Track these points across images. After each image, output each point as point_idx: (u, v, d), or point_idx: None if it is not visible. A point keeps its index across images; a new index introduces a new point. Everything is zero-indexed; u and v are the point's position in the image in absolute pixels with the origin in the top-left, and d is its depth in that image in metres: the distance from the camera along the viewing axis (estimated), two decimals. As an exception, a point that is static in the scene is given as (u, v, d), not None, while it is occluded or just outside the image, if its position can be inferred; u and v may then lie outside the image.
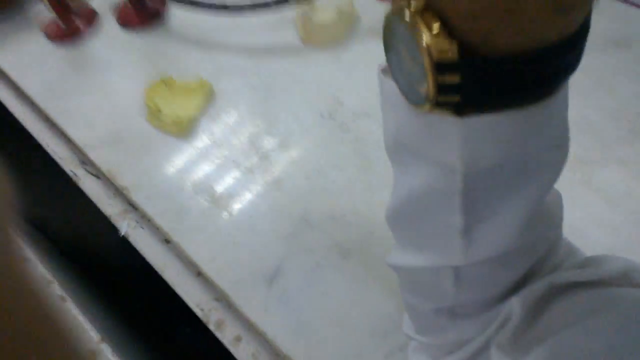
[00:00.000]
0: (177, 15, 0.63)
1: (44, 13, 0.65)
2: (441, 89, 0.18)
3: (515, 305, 0.24)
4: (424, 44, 0.17)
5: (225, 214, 0.46)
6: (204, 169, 0.49)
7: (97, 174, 0.53)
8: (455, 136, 0.19)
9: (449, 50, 0.17)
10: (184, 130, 0.51)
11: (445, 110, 0.19)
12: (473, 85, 0.17)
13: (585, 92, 0.49)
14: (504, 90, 0.18)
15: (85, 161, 0.54)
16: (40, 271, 0.46)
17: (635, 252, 0.39)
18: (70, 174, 0.54)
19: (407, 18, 0.17)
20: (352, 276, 0.41)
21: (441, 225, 0.23)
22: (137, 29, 0.62)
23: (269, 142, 0.50)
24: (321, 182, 0.47)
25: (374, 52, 0.55)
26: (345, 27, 0.57)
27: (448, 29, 0.17)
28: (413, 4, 0.17)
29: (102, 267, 0.58)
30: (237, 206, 0.46)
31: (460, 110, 0.19)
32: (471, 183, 0.20)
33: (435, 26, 0.17)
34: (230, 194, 0.47)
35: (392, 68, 0.20)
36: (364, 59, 0.55)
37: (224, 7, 0.57)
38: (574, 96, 0.20)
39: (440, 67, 0.17)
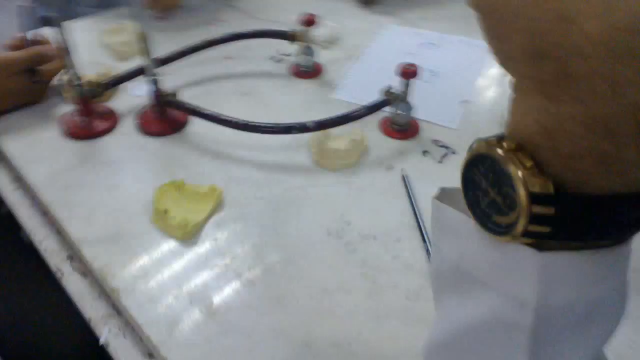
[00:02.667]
0: (197, 124, 0.66)
1: (64, 109, 0.67)
2: (533, 219, 0.18)
3: None
4: (520, 176, 0.18)
5: (220, 330, 0.42)
6: (203, 277, 0.46)
7: (85, 272, 0.49)
8: (532, 268, 0.19)
9: (545, 185, 0.18)
10: (189, 234, 0.50)
11: (526, 241, 0.19)
12: (566, 218, 0.18)
13: None
14: (596, 227, 0.18)
15: (73, 257, 0.51)
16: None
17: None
18: (55, 268, 0.50)
19: (502, 153, 0.19)
20: (356, 414, 0.37)
21: None
22: (155, 136, 0.64)
23: (273, 255, 0.49)
24: (326, 304, 0.45)
25: (381, 181, 0.58)
26: (356, 155, 0.60)
27: (540, 167, 0.18)
28: (506, 143, 0.19)
29: None
30: (234, 322, 0.43)
31: (543, 242, 0.19)
32: (541, 320, 0.20)
33: (529, 163, 0.18)
34: (229, 307, 0.44)
35: (469, 199, 0.22)
36: (371, 185, 0.57)
37: (239, 124, 0.60)
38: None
39: (535, 199, 0.18)
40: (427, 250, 0.48)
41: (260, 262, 0.48)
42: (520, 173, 0.18)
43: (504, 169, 0.19)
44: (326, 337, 0.42)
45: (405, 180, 0.57)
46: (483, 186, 0.21)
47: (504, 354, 0.21)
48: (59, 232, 0.53)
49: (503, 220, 0.20)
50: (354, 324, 0.43)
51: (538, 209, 0.18)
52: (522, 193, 0.18)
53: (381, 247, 0.50)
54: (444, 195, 0.25)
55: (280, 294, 0.45)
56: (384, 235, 0.51)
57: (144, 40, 0.57)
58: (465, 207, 0.22)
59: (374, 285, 0.46)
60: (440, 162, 0.60)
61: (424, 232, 0.50)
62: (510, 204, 0.19)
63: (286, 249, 0.50)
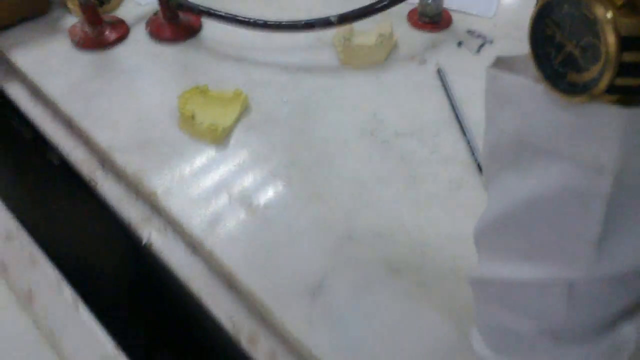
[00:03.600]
0: (211, 28, 0.62)
1: (73, 21, 0.64)
2: (622, 70, 0.16)
3: (629, 333, 0.21)
4: (609, 18, 0.16)
5: (262, 225, 0.42)
6: (240, 179, 0.46)
7: (119, 178, 0.49)
8: (614, 130, 0.17)
9: (638, 25, 0.16)
10: (219, 138, 0.49)
11: (608, 99, 0.17)
12: None
13: None
14: None
15: (105, 165, 0.50)
16: (49, 273, 0.41)
17: None
18: (88, 178, 0.50)
19: None
20: (404, 295, 0.37)
21: (569, 233, 0.21)
22: (169, 43, 0.61)
23: (308, 156, 0.48)
24: (365, 198, 0.44)
25: (414, 76, 0.55)
26: (385, 51, 0.56)
27: (633, 4, 0.16)
28: None
29: (119, 275, 0.52)
30: (275, 216, 0.43)
31: (628, 99, 0.17)
32: (621, 187, 0.18)
33: (620, 1, 0.16)
34: (268, 204, 0.43)
35: (538, 59, 0.19)
36: (402, 81, 0.54)
37: (258, 23, 0.56)
38: None
39: (627, 44, 0.16)
40: (469, 143, 0.47)
41: (295, 162, 0.47)
42: (609, 14, 0.16)
43: (588, 12, 0.16)
44: (368, 228, 0.42)
45: (440, 73, 0.54)
46: (557, 39, 0.18)
47: (574, 225, 0.20)
48: (87, 142, 0.52)
49: (581, 77, 0.18)
50: (395, 214, 0.42)
51: (629, 57, 0.16)
52: (610, 38, 0.16)
53: (419, 143, 0.48)
54: (500, 64, 0.23)
55: (318, 191, 0.45)
56: (421, 131, 0.49)
57: None
58: (528, 73, 0.20)
59: (413, 178, 0.45)
60: (477, 52, 0.56)
61: (463, 125, 0.48)
62: (593, 55, 0.17)
63: (320, 149, 0.48)
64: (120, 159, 0.48)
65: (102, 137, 0.50)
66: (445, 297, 0.37)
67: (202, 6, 0.59)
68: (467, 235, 0.40)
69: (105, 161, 0.50)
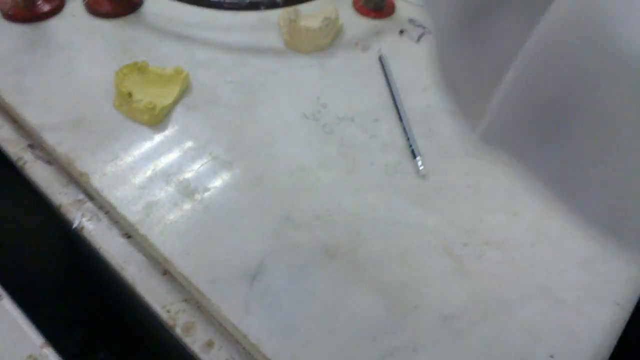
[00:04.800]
0: (153, 3, 0.60)
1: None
2: None
3: None
4: None
5: (201, 210, 0.42)
6: (178, 160, 0.45)
7: (49, 159, 0.47)
8: None
9: None
10: (157, 118, 0.47)
11: None
12: None
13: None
14: None
15: (34, 145, 0.48)
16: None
17: None
18: (14, 158, 0.47)
19: None
20: (341, 277, 0.38)
21: None
22: (108, 17, 0.58)
23: (249, 138, 0.47)
24: (305, 181, 0.44)
25: (357, 62, 0.55)
26: (330, 36, 0.57)
27: None
28: None
29: (50, 266, 0.50)
30: (213, 200, 0.42)
31: None
32: None
33: None
34: (207, 187, 0.43)
35: None
36: (345, 67, 0.55)
37: (205, 2, 0.55)
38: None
39: None
40: (404, 129, 0.48)
41: (236, 144, 0.47)
42: None
43: None
44: (307, 210, 0.42)
45: (381, 61, 0.55)
46: None
47: None
48: (15, 120, 0.49)
49: None
50: (334, 197, 0.43)
51: None
52: None
53: (359, 128, 0.49)
54: None
55: (259, 174, 0.45)
56: (361, 117, 0.50)
57: None
58: None
59: (352, 162, 0.46)
60: (417, 42, 0.58)
61: (401, 112, 0.49)
62: None
63: (262, 131, 0.48)
64: (51, 138, 0.46)
65: (32, 114, 0.47)
66: (378, 278, 0.38)
67: (142, -20, 0.57)
68: (400, 218, 0.42)
69: (35, 141, 0.48)
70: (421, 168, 0.45)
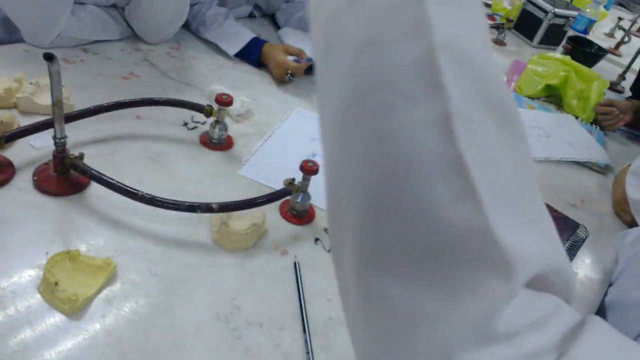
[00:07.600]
0: (97, 190, 0.66)
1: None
2: None
3: None
4: None
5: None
6: (86, 357, 0.47)
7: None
8: None
9: None
10: (77, 309, 0.50)
11: None
12: None
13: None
14: None
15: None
16: None
17: None
18: None
19: None
20: None
21: None
22: (53, 195, 0.63)
23: (159, 340, 0.51)
24: (206, 389, 0.48)
25: (274, 265, 0.63)
26: (254, 239, 0.65)
27: None
28: None
29: None
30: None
31: None
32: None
33: None
34: (109, 391, 0.45)
35: None
36: (264, 269, 0.62)
37: (145, 197, 0.61)
38: None
39: None
40: (306, 341, 0.54)
41: (146, 344, 0.50)
42: None
43: None
44: None
45: (296, 267, 0.63)
46: None
47: None
48: None
49: None
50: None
51: None
52: None
53: (265, 335, 0.54)
54: None
55: (163, 378, 0.47)
56: (269, 323, 0.56)
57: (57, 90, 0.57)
58: None
59: (253, 372, 0.50)
60: (329, 251, 0.67)
61: (305, 323, 0.56)
62: None
63: (174, 331, 0.52)
64: (-37, 323, 0.47)
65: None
66: None
67: (94, 170, 0.63)
68: None
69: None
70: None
